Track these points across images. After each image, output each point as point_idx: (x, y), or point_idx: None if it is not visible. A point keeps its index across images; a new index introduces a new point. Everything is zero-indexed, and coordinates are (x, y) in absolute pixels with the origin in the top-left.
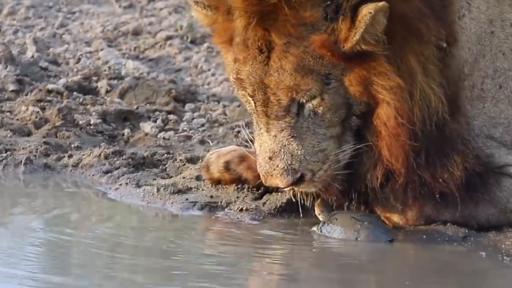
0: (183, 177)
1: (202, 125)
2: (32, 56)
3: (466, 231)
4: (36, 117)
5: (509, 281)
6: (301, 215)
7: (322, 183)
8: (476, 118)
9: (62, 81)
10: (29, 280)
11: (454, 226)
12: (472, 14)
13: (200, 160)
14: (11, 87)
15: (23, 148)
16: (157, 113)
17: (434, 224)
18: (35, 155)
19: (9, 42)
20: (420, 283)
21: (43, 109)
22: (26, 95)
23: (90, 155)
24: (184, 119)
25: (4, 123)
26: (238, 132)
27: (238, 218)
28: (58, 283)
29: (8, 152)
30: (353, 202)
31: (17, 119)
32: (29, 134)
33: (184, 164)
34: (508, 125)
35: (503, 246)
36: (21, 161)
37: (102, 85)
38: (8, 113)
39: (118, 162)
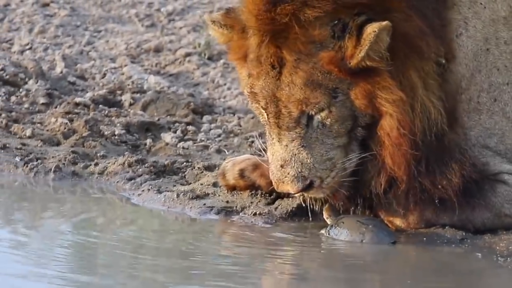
0: (201, 184)
1: (219, 135)
2: (61, 72)
3: (463, 233)
4: (65, 128)
5: (503, 280)
6: (311, 219)
7: (330, 189)
8: (473, 129)
9: (89, 94)
10: (58, 279)
11: (452, 229)
12: (469, 33)
13: (216, 168)
14: (42, 100)
15: (52, 157)
16: (176, 124)
17: (433, 227)
18: (63, 164)
19: (39, 58)
20: (421, 282)
21: (71, 120)
22: (56, 107)
23: (114, 163)
24: (202, 130)
25: (35, 134)
26: (252, 142)
27: (252, 221)
28: (85, 282)
29: (39, 161)
30: (359, 207)
31: (47, 130)
32: (58, 144)
33: (202, 172)
34: (502, 135)
35: (497, 247)
36: (50, 169)
37: (126, 98)
38: (39, 125)
39: (140, 170)
